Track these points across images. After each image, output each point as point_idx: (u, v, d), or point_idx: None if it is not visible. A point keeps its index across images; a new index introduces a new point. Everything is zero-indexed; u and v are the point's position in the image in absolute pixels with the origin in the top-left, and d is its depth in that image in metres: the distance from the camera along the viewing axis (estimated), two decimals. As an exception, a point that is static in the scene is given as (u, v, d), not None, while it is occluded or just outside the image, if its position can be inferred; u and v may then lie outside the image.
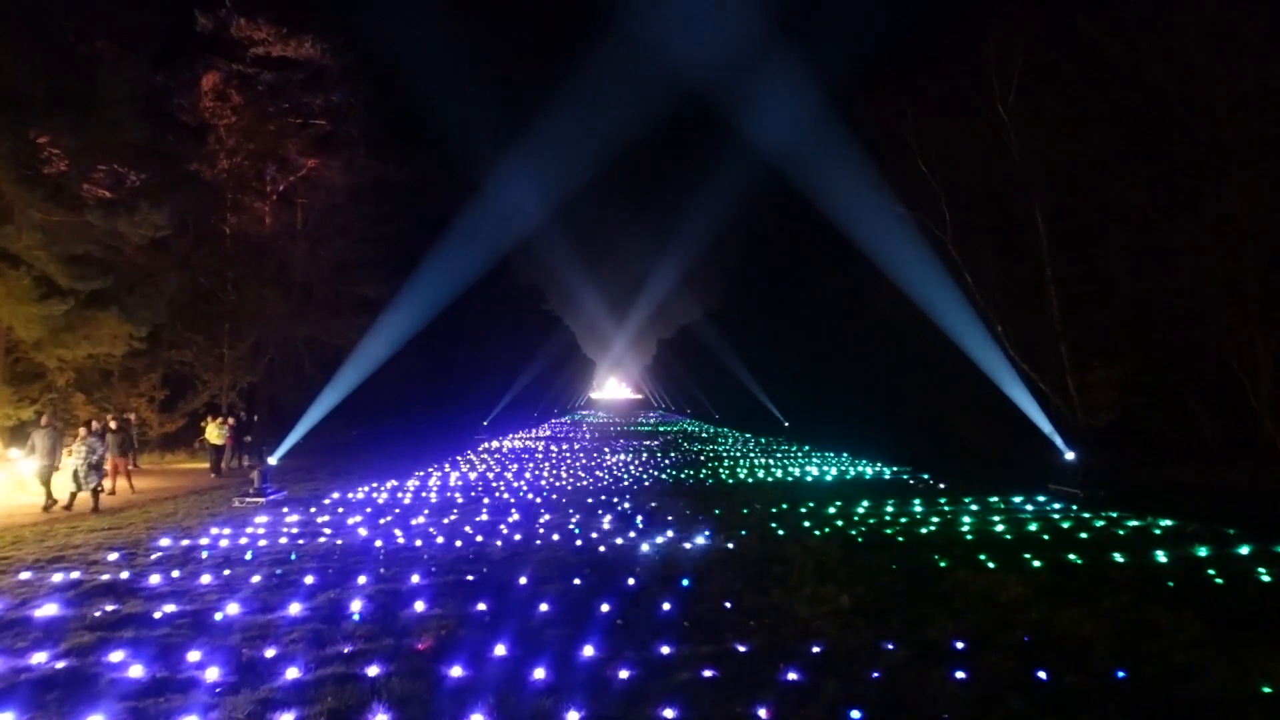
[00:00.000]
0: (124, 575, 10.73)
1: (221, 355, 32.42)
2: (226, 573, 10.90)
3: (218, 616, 8.75)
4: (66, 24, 23.02)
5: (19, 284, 21.07)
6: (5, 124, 20.53)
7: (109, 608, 9.13)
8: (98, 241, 22.77)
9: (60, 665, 7.24)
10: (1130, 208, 25.33)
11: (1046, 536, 13.71)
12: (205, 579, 10.50)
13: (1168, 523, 14.89)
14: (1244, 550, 12.30)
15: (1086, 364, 27.08)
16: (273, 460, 19.62)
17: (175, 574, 10.80)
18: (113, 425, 20.59)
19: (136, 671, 7.02)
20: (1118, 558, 11.83)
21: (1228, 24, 22.71)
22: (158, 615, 8.80)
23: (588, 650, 7.61)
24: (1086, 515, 16.04)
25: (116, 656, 7.38)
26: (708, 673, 7.04)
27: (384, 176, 39.89)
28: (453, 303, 56.27)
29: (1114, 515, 15.88)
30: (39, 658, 7.38)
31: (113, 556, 12.00)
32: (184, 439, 29.43)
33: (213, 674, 6.96)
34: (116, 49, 23.79)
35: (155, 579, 10.50)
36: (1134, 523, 15.03)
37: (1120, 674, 7.01)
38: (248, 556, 11.97)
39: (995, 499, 18.36)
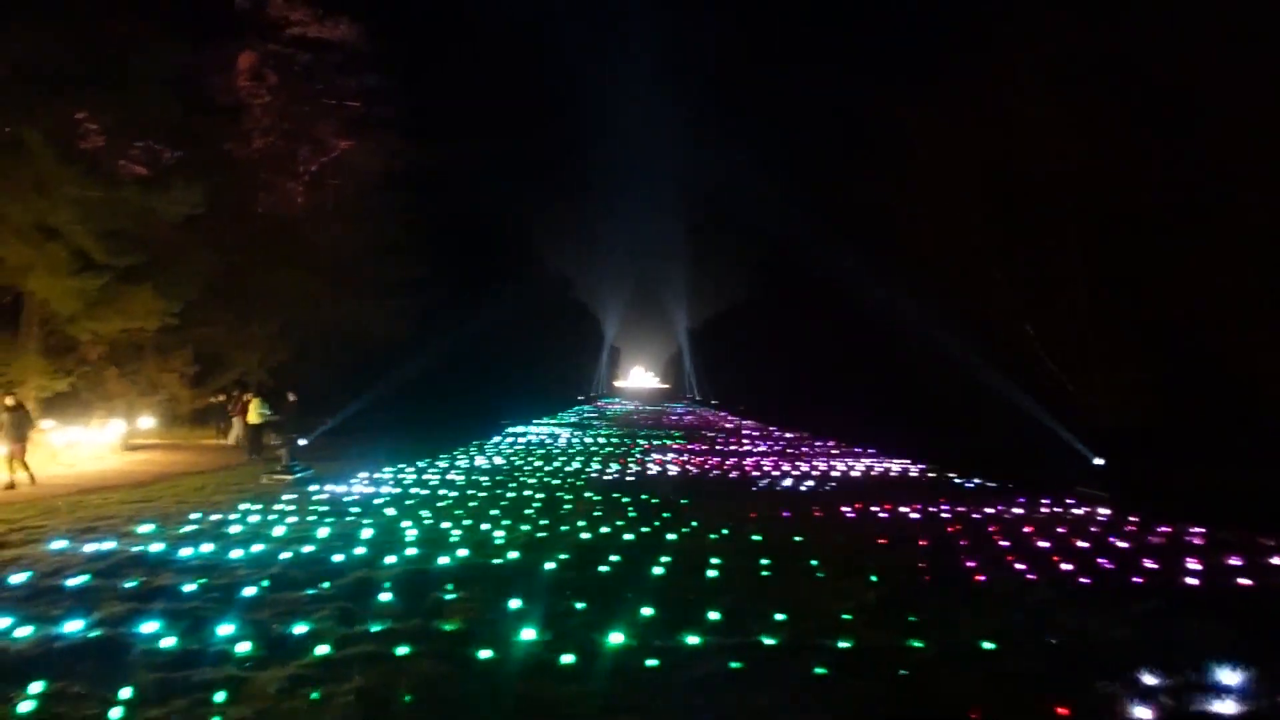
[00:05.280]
0: (154, 548, 10.85)
1: (251, 334, 32.64)
2: (256, 547, 11.01)
3: (248, 591, 8.84)
4: (106, 1, 23.15)
5: (56, 258, 21.29)
6: (44, 101, 20.75)
7: (140, 579, 9.24)
8: (133, 218, 22.96)
9: (93, 635, 7.33)
10: (1165, 208, 24.95)
11: (1075, 539, 13.57)
12: (235, 553, 10.62)
13: (1199, 529, 14.70)
14: (1278, 559, 12.13)
15: (1117, 365, 26.74)
16: (302, 440, 19.76)
17: (205, 547, 10.91)
18: (9, 402, 17.44)
19: (167, 643, 7.10)
20: (1148, 563, 11.69)
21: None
22: (188, 588, 8.89)
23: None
24: (1116, 519, 15.88)
25: (148, 627, 7.46)
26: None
27: (416, 160, 39.91)
28: (480, 288, 56.57)
29: (1144, 519, 15.70)
30: (72, 627, 7.47)
31: (144, 529, 12.14)
32: (214, 415, 29.63)
33: (242, 647, 7.04)
34: (153, 28, 23.94)
35: (185, 552, 10.62)
36: (1164, 528, 14.86)
37: (1150, 681, 6.94)
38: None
39: (1022, 500, 18.21)
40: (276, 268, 33.02)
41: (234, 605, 8.35)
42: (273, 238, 33.97)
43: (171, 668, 6.57)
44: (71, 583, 8.99)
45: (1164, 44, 24.18)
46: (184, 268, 25.50)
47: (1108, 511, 16.76)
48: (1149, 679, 6.95)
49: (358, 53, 37.37)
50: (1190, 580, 10.71)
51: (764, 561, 11.07)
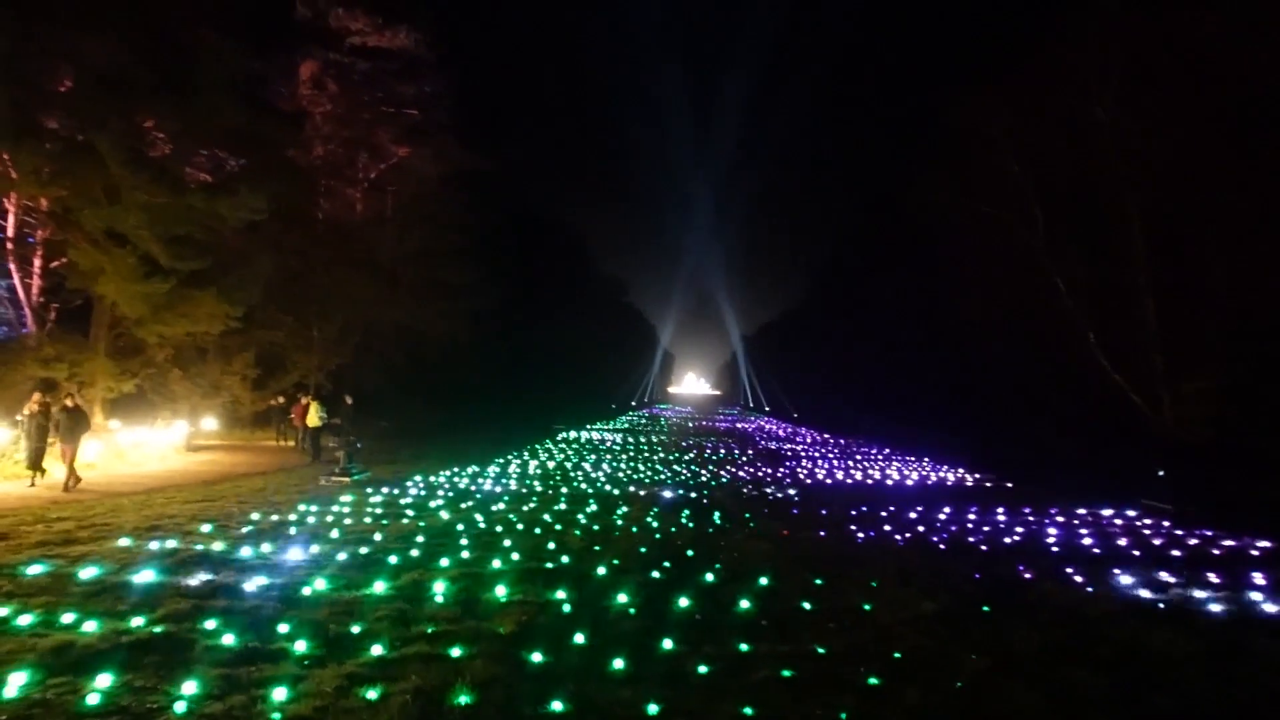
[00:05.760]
0: (216, 547, 11.08)
1: (311, 337, 33.19)
2: (314, 548, 11.19)
3: (306, 590, 9.00)
4: (176, 12, 23.68)
5: (125, 263, 21.83)
6: (115, 108, 21.30)
7: (203, 577, 9.45)
8: (198, 223, 23.45)
9: (157, 630, 7.51)
10: (1233, 213, 24.31)
11: (1136, 552, 13.28)
12: (293, 553, 10.81)
13: (1266, 543, 14.30)
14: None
15: (1182, 375, 26.11)
16: (360, 444, 20.05)
17: (265, 547, 11.12)
18: (68, 403, 17.46)
19: (228, 639, 7.24)
20: (1212, 577, 11.39)
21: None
22: (248, 586, 9.07)
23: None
24: (1179, 532, 15.50)
25: (209, 624, 7.63)
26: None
27: (472, 166, 40.32)
28: (535, 292, 56.93)
29: (1208, 533, 15.31)
30: (137, 622, 7.66)
31: (206, 528, 12.41)
32: (275, 417, 30.08)
33: (300, 645, 7.16)
34: (219, 37, 24.49)
35: (246, 551, 10.84)
36: (1229, 541, 14.48)
37: (1211, 696, 6.77)
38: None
39: (1083, 511, 17.86)
40: (336, 272, 33.54)
41: (292, 604, 8.50)
42: (332, 242, 34.53)
43: (232, 664, 6.70)
44: (137, 579, 9.22)
45: (1236, 44, 23.60)
46: (246, 272, 25.98)
47: (1170, 523, 16.40)
48: (1209, 694, 6.78)
49: (416, 61, 37.90)
50: (1254, 595, 10.43)
51: (817, 569, 11.00)
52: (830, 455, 31.84)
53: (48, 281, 23.19)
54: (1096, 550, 13.36)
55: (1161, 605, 9.76)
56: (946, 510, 17.31)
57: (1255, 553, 13.58)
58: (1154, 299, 26.78)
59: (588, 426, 45.43)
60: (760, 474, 23.99)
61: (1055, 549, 13.39)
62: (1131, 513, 17.75)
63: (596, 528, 13.94)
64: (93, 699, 5.95)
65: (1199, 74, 25.00)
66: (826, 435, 45.92)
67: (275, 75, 34.21)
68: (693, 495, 18.68)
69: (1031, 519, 16.55)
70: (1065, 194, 29.91)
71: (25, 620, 7.62)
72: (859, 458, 30.78)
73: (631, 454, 29.31)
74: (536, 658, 7.10)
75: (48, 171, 20.69)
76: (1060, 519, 16.67)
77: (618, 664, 7.00)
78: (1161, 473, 19.07)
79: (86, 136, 21.01)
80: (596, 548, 12.14)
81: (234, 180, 25.00)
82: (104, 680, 6.22)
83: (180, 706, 5.87)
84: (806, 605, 9.19)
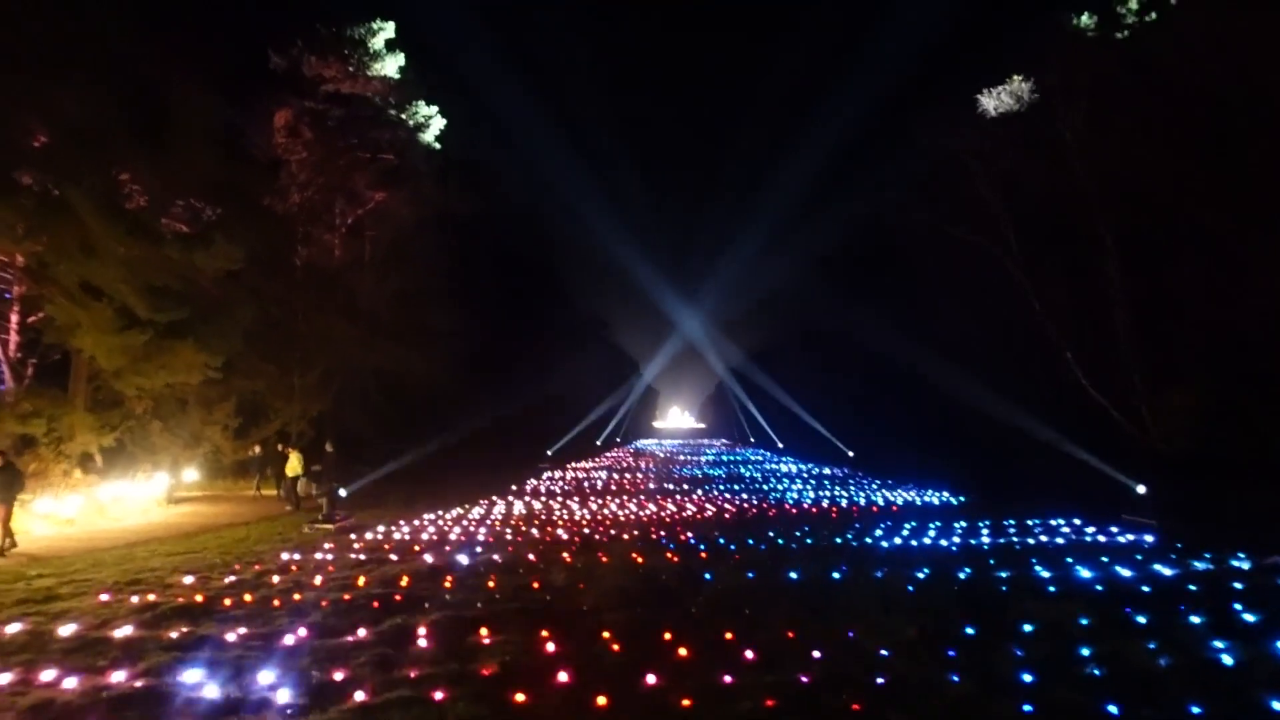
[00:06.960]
0: (198, 598, 11.02)
1: (292, 384, 33.02)
2: (296, 596, 11.14)
3: (288, 639, 8.95)
4: (149, 64, 23.76)
5: (102, 315, 21.76)
6: (91, 161, 21.33)
7: (184, 629, 9.39)
8: (175, 274, 23.41)
9: (138, 684, 7.47)
10: (1204, 228, 24.63)
11: (1119, 568, 13.36)
12: (275, 602, 10.76)
13: (1247, 555, 14.40)
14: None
15: (1161, 389, 26.33)
16: (343, 491, 19.99)
17: (247, 597, 11.07)
18: None
19: (211, 691, 7.20)
20: (1193, 589, 11.49)
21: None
22: (230, 637, 9.02)
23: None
24: (1161, 546, 15.62)
25: (191, 676, 7.59)
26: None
27: (449, 208, 40.43)
28: (517, 332, 56.91)
29: (1190, 546, 15.42)
30: (118, 676, 7.62)
31: (188, 580, 12.33)
32: (255, 467, 29.82)
33: (283, 694, 7.13)
34: (196, 88, 24.60)
35: (228, 601, 10.78)
36: (1211, 554, 14.58)
37: (1194, 709, 6.82)
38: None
39: (1066, 529, 17.95)
40: (316, 318, 33.51)
41: (275, 653, 8.47)
42: (312, 288, 34.50)
43: (214, 715, 6.68)
44: (118, 634, 9.16)
45: (1208, 61, 24.02)
46: (226, 321, 25.89)
47: (1153, 539, 16.51)
48: (1194, 709, 6.84)
49: (389, 106, 38.20)
50: (1235, 605, 10.52)
51: (799, 596, 11.02)
52: (813, 482, 31.87)
53: (25, 337, 23.10)
54: (1079, 567, 13.42)
55: (1143, 620, 9.82)
56: (929, 532, 17.38)
57: (1236, 565, 13.69)
58: (1130, 315, 27.05)
59: (573, 465, 45.26)
60: (744, 506, 24.03)
61: (1037, 567, 13.45)
62: (1114, 528, 17.85)
63: (580, 565, 13.93)
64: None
65: (1165, 92, 25.41)
66: (810, 464, 45.91)
67: (251, 124, 34.31)
68: (676, 528, 18.66)
69: (1015, 538, 16.64)
70: (1039, 215, 30.30)
71: (4, 679, 7.57)
72: (843, 484, 30.82)
73: (615, 490, 29.33)
74: (519, 698, 7.09)
75: (22, 227, 20.63)
76: (1043, 537, 16.78)
77: (600, 700, 7.00)
78: (1142, 488, 19.18)
79: (61, 191, 21.01)
80: (581, 585, 12.13)
81: (211, 230, 24.98)
82: (84, 737, 6.19)
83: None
84: (790, 633, 9.20)
